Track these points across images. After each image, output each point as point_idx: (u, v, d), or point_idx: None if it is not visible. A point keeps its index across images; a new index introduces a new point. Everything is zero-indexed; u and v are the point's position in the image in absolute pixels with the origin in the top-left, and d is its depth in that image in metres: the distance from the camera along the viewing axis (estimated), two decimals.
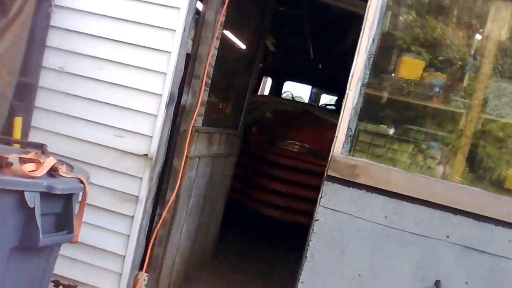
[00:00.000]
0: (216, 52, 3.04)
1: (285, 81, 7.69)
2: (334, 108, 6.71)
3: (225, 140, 3.61)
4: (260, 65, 7.24)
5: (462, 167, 2.63)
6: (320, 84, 8.55)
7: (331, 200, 2.54)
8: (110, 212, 2.90)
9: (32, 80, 2.95)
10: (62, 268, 2.91)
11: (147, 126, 2.84)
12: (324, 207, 2.55)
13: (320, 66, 7.82)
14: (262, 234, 4.87)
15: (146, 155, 2.84)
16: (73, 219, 2.08)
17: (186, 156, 2.99)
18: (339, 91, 7.59)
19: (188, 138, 2.95)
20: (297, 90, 10.16)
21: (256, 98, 5.49)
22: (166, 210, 2.95)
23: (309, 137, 4.44)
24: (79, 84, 2.95)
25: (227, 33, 3.47)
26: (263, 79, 7.76)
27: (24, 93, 2.92)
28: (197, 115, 2.98)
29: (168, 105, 2.80)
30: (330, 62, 8.87)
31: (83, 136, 2.94)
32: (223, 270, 3.96)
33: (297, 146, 4.38)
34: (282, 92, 7.80)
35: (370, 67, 2.53)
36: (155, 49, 2.81)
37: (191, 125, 2.96)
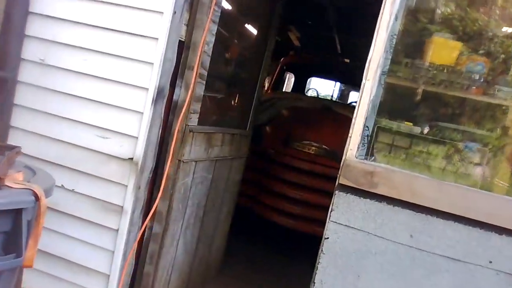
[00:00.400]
0: (213, 39, 2.63)
1: (309, 78, 7.20)
2: None
3: (229, 141, 3.20)
4: (281, 60, 6.88)
5: (507, 175, 2.11)
6: (348, 80, 8.01)
7: (344, 214, 2.09)
8: (93, 224, 2.56)
9: (9, 74, 2.65)
10: (41, 286, 2.62)
11: (132, 126, 2.47)
12: (336, 222, 2.11)
13: (347, 60, 7.29)
14: (274, 244, 4.43)
15: (131, 159, 2.47)
16: (23, 239, 1.72)
17: (179, 160, 2.61)
18: None
19: (179, 138, 2.57)
20: (324, 88, 9.65)
21: (272, 95, 5.05)
22: (152, 220, 2.57)
23: (328, 137, 3.97)
24: (61, 78, 2.63)
25: (230, 19, 3.06)
26: (286, 75, 7.31)
27: (1, 89, 2.63)
28: (190, 112, 2.59)
29: (156, 100, 2.43)
30: (358, 56, 8.31)
31: (64, 137, 2.61)
32: (229, 284, 3.55)
33: (314, 147, 3.92)
34: (306, 89, 7.32)
35: (392, 50, 2.06)
36: (140, 36, 2.44)
37: (183, 124, 2.57)
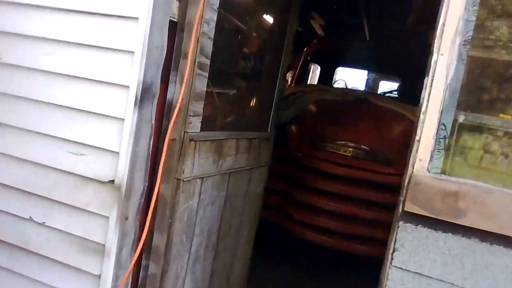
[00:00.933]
0: (214, 16, 1.98)
1: (336, 68, 6.48)
2: (397, 96, 5.40)
3: (246, 148, 2.54)
4: (305, 49, 6.17)
5: None
6: (378, 69, 7.24)
7: (414, 256, 1.41)
8: (69, 268, 1.96)
9: None
10: None
11: (110, 137, 1.86)
12: (401, 269, 1.42)
13: (377, 47, 6.54)
14: (308, 266, 3.71)
15: (112, 181, 1.85)
16: None
17: (178, 180, 1.97)
18: (403, 75, 6.29)
19: (176, 151, 1.93)
20: (352, 78, 8.89)
21: (296, 88, 4.35)
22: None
23: (367, 135, 3.24)
24: (25, 80, 2.03)
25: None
26: (311, 67, 6.59)
27: None
28: (189, 115, 1.94)
29: (141, 101, 1.80)
30: (389, 43, 7.57)
31: (30, 155, 2.02)
32: None
33: (350, 148, 3.20)
34: (334, 80, 6.60)
35: (477, 8, 1.35)
36: (114, 16, 1.82)
37: (180, 131, 1.93)
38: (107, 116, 1.85)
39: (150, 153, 1.94)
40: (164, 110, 1.99)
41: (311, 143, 3.35)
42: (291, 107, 3.75)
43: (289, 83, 5.82)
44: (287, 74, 4.61)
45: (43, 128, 1.99)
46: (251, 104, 2.93)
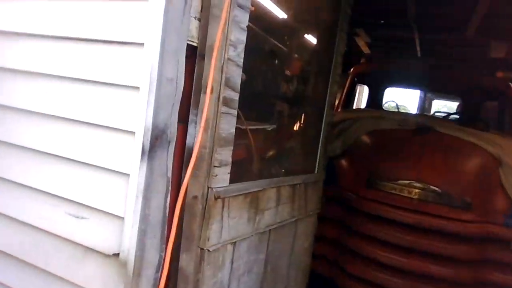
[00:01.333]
0: (243, 37, 1.55)
1: (385, 88, 5.92)
2: (458, 117, 4.75)
3: (289, 197, 2.07)
4: (351, 69, 5.66)
5: None
6: (433, 88, 6.60)
7: None
8: None
9: None
10: None
11: (114, 197, 1.45)
12: None
13: (431, 64, 5.95)
14: None
15: (116, 255, 1.43)
16: None
17: (202, 249, 1.52)
18: (462, 94, 5.63)
19: (196, 212, 1.49)
20: (401, 99, 8.27)
21: (345, 115, 3.82)
22: None
23: (438, 173, 2.64)
24: (16, 123, 1.68)
25: (276, 17, 1.98)
26: (357, 88, 6.06)
27: None
28: (214, 166, 1.50)
29: (151, 150, 1.38)
30: (445, 58, 6.91)
31: (24, 216, 1.65)
32: None
33: (417, 190, 2.63)
34: (383, 102, 6.04)
35: None
36: (113, 42, 1.43)
37: (202, 186, 1.49)
38: (110, 170, 1.45)
39: (167, 215, 1.51)
40: (184, 159, 1.56)
41: (366, 182, 2.81)
42: (340, 138, 3.24)
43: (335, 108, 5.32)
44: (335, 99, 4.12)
45: (34, 181, 1.62)
46: (293, 140, 2.45)
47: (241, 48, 1.53)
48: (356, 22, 5.12)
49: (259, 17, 1.77)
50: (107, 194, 1.45)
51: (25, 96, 1.63)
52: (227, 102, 1.50)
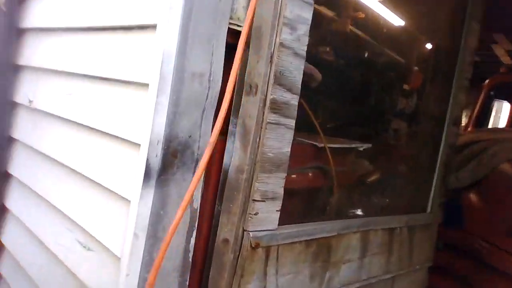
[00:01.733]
0: (307, 16, 1.06)
1: None
2: None
3: (383, 245, 1.48)
4: (486, 82, 4.71)
5: None
6: None
7: None
8: None
9: None
10: None
11: (112, 229, 1.07)
12: None
13: None
14: None
15: None
16: None
17: None
18: None
19: (227, 264, 1.03)
20: None
21: (477, 135, 2.98)
22: None
23: None
24: (47, 131, 1.45)
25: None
26: (494, 103, 5.08)
27: None
28: (253, 200, 1.03)
29: (162, 171, 0.96)
30: None
31: (45, 236, 1.40)
32: None
33: None
34: None
35: None
36: (123, 28, 1.06)
37: (235, 228, 1.03)
38: (111, 191, 1.08)
39: (190, 262, 1.07)
40: (217, 191, 1.12)
41: (507, 228, 2.04)
42: (469, 165, 2.49)
43: (463, 127, 4.48)
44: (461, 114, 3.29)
45: (51, 195, 1.33)
46: (396, 167, 1.83)
47: (303, 30, 1.04)
48: (494, 26, 4.26)
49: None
50: (108, 223, 1.08)
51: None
52: (277, 108, 1.02)
